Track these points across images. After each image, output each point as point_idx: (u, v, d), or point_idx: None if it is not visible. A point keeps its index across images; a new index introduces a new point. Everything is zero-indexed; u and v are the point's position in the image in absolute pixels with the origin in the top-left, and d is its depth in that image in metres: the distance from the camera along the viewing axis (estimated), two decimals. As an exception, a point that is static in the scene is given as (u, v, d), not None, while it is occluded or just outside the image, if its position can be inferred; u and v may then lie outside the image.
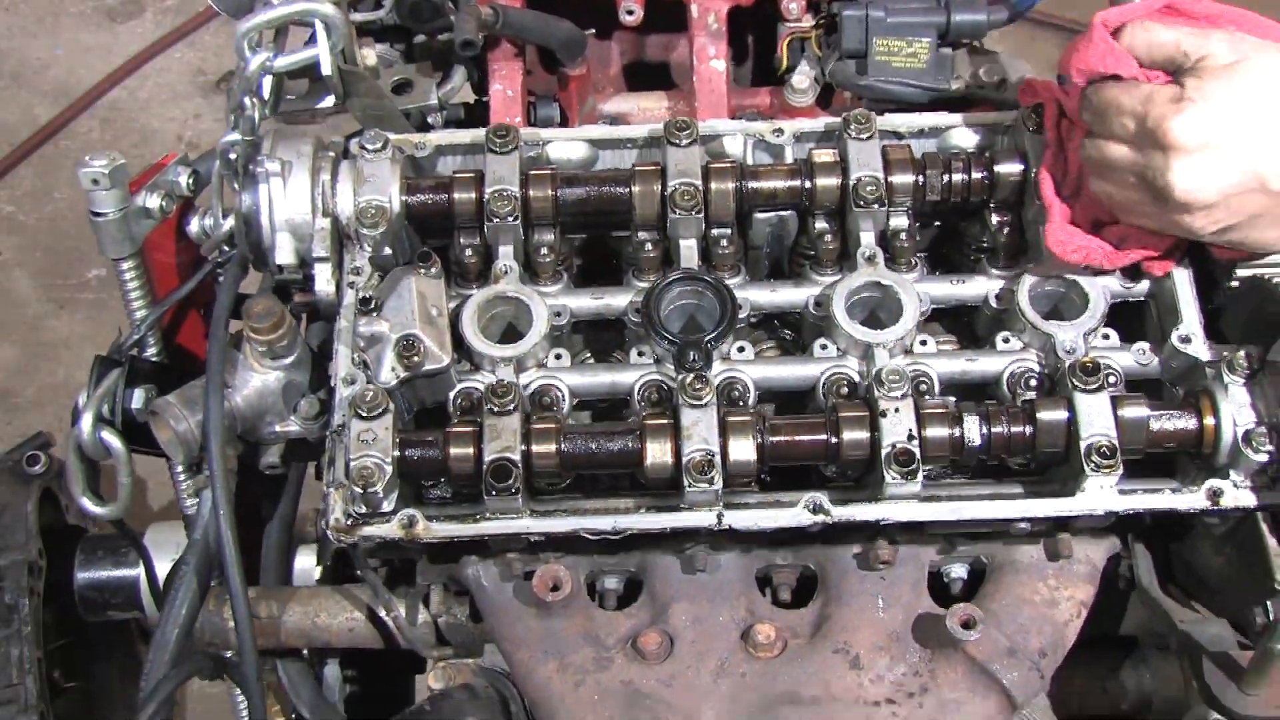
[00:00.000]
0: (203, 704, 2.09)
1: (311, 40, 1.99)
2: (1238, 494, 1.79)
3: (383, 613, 2.09)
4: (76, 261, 4.48)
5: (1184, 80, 1.67)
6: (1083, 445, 1.78)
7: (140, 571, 2.34)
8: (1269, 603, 1.81)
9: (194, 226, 2.08)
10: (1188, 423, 1.81)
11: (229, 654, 2.11)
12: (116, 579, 2.35)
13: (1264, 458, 1.76)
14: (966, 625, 1.80)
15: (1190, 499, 1.81)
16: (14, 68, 5.01)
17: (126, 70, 4.95)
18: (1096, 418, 1.79)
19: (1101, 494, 1.80)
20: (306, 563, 2.31)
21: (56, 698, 2.34)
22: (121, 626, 2.64)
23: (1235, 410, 1.78)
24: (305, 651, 2.22)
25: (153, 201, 2.04)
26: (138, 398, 2.01)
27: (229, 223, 2.03)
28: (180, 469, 2.16)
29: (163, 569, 2.32)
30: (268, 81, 1.97)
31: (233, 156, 1.98)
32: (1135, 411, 1.80)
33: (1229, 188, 1.67)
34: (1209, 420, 1.80)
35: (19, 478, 2.32)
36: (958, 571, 1.97)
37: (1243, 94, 1.64)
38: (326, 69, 1.97)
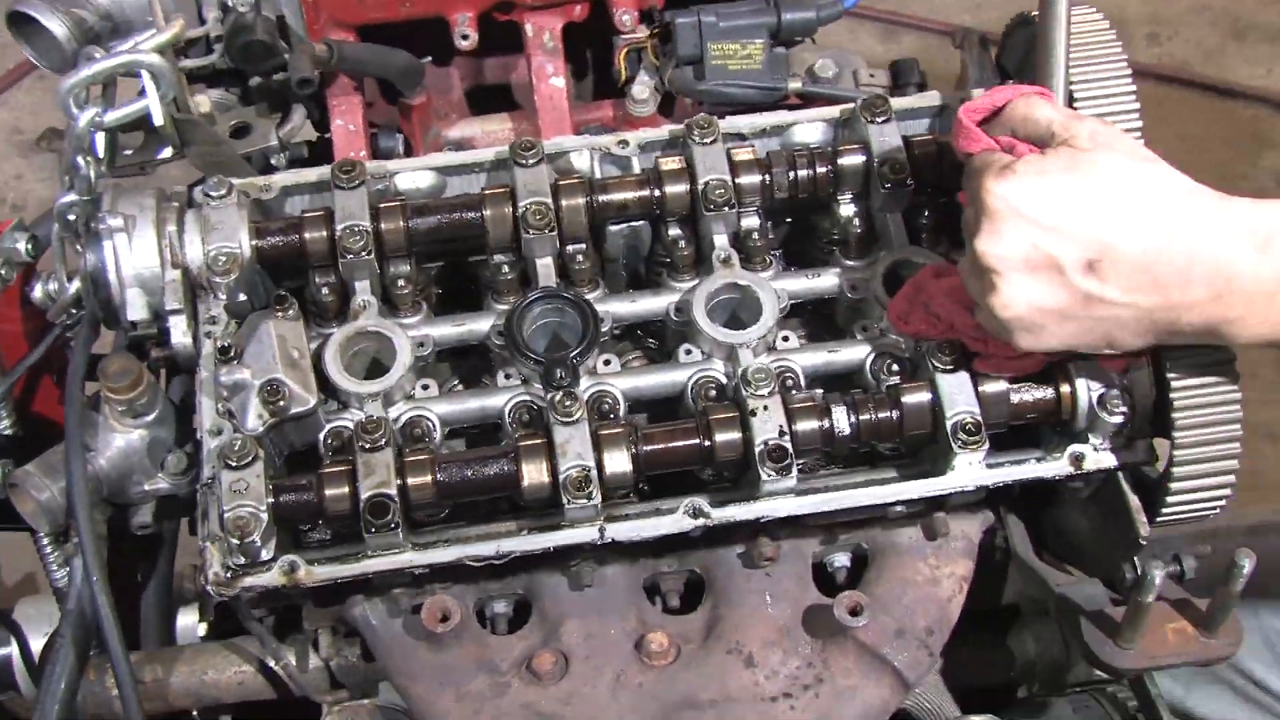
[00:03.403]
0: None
1: (142, 91, 1.96)
2: (1098, 456, 1.85)
3: (272, 663, 2.06)
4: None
5: (1033, 154, 1.66)
6: (948, 424, 1.82)
7: (13, 650, 2.26)
8: (1136, 558, 1.87)
9: (38, 292, 2.02)
10: (1046, 393, 1.86)
11: (115, 724, 2.07)
12: (-13, 661, 2.27)
13: (1119, 419, 1.82)
14: (854, 612, 1.83)
15: (1055, 466, 1.86)
16: None
17: (-61, 136, 4.80)
18: (959, 396, 1.83)
19: (970, 470, 1.84)
20: (189, 621, 2.26)
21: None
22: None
23: (1088, 376, 1.84)
24: (195, 713, 2.17)
25: (-9, 271, 1.99)
26: (-7, 474, 1.96)
27: (75, 285, 1.98)
28: (46, 540, 2.10)
29: (36, 644, 2.25)
30: (100, 138, 1.92)
31: (71, 218, 1.93)
32: (995, 387, 1.85)
33: (1021, 261, 1.62)
34: (1065, 388, 1.85)
35: None
36: (841, 560, 2.00)
37: (1076, 180, 1.60)
38: (158, 119, 1.94)
